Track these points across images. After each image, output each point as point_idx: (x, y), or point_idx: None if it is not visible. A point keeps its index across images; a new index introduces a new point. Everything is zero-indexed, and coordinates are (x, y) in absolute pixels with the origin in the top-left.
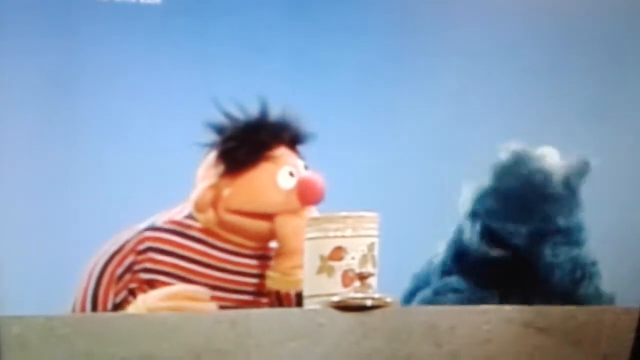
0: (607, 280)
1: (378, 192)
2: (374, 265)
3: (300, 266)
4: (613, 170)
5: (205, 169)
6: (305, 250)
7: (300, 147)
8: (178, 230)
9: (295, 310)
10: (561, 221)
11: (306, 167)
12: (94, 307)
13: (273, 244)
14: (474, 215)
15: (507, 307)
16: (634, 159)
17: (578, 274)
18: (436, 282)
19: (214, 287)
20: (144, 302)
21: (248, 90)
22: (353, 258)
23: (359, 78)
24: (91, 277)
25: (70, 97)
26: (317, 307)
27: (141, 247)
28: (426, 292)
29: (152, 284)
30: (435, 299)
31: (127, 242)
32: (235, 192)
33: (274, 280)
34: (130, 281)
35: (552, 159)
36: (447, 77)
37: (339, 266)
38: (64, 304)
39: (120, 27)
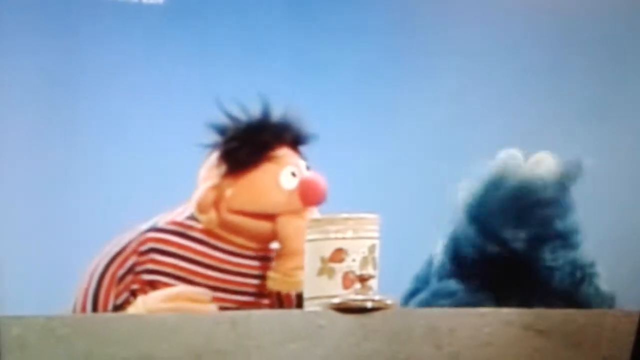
0: (607, 280)
1: (378, 193)
2: (374, 267)
3: (301, 267)
4: (613, 170)
5: (208, 170)
6: (305, 252)
7: (302, 148)
8: (180, 231)
9: (295, 311)
10: (557, 224)
11: (308, 168)
12: (95, 309)
13: (274, 245)
14: (471, 217)
15: (507, 310)
16: (633, 159)
17: (576, 276)
18: (433, 285)
19: (215, 288)
20: (145, 304)
21: (249, 90)
22: (354, 260)
23: (360, 78)
24: (92, 278)
25: (71, 97)
26: (318, 308)
27: (143, 248)
28: (423, 295)
29: (154, 285)
30: (432, 301)
31: (129, 243)
32: (238, 193)
33: (275, 281)
34: (132, 282)
35: (546, 163)
36: (447, 77)
37: (340, 268)
38: (64, 304)
39: (121, 26)
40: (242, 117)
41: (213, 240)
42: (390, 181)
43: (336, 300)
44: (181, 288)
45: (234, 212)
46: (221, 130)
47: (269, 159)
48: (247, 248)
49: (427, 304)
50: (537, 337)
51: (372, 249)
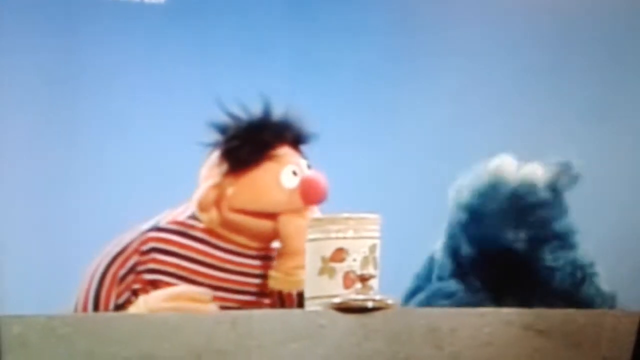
0: (608, 280)
1: (378, 192)
2: (375, 267)
3: (302, 266)
4: (613, 170)
5: (209, 169)
6: (306, 252)
7: (302, 147)
8: (181, 230)
9: (296, 311)
10: (556, 225)
11: (309, 167)
12: (96, 309)
13: (275, 244)
14: (469, 217)
15: (507, 310)
16: (634, 159)
17: (577, 276)
18: (433, 285)
19: (216, 288)
20: (146, 303)
21: (249, 89)
22: (354, 260)
23: (360, 78)
24: (93, 279)
25: (72, 96)
26: (319, 308)
27: (145, 247)
28: (423, 295)
29: (155, 285)
30: (432, 302)
31: (130, 243)
32: (239, 192)
33: (277, 280)
34: (134, 282)
35: (545, 163)
36: (448, 77)
37: (341, 268)
38: (65, 304)
39: (122, 26)
40: (243, 116)
41: (214, 240)
42: (390, 181)
43: (337, 300)
44: (182, 288)
45: (235, 211)
46: (222, 129)
47: (270, 157)
48: (249, 247)
49: (426, 304)
50: (537, 337)
51: (372, 248)
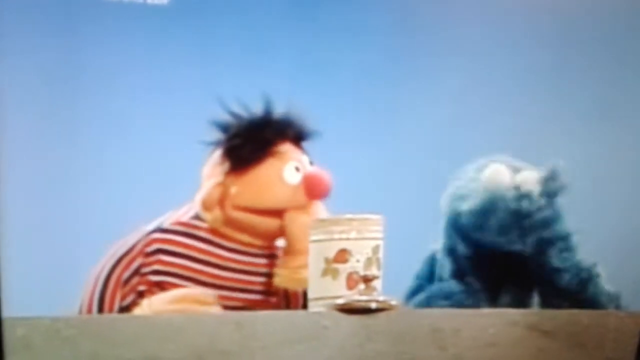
0: (611, 282)
1: (378, 192)
2: (378, 267)
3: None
4: (615, 169)
5: (211, 168)
6: (309, 253)
7: (304, 144)
8: (185, 231)
9: (300, 312)
10: (557, 226)
11: (311, 163)
12: (100, 311)
13: (280, 242)
14: (467, 217)
15: (511, 310)
16: (635, 158)
17: (580, 278)
18: (432, 286)
19: (222, 287)
20: (150, 306)
21: (251, 89)
22: (358, 261)
23: (361, 78)
24: (98, 281)
25: (74, 97)
26: (322, 309)
27: (149, 249)
28: (422, 296)
29: (161, 286)
30: (432, 303)
31: (134, 245)
32: (242, 190)
33: (282, 278)
34: (139, 284)
35: (538, 168)
36: (449, 76)
37: (344, 269)
38: (69, 306)
39: (124, 27)
40: (244, 114)
41: (219, 239)
42: (390, 181)
43: (340, 301)
44: (187, 290)
45: (239, 209)
46: (223, 128)
47: (272, 154)
48: (253, 246)
49: (426, 305)
50: (542, 337)
51: (376, 249)
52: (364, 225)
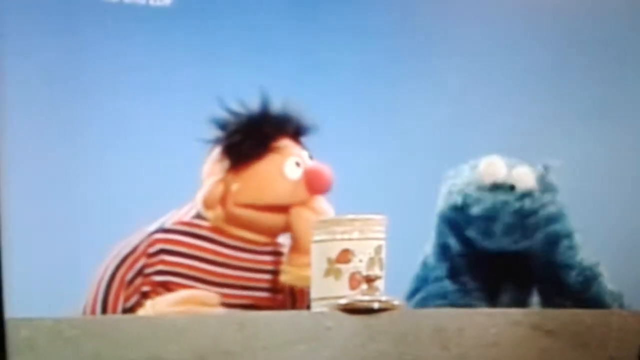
0: (613, 281)
1: (378, 192)
2: (381, 268)
3: None
4: (615, 169)
5: (211, 166)
6: (312, 253)
7: (303, 139)
8: (188, 230)
9: (302, 312)
10: (557, 225)
11: (311, 157)
12: (104, 313)
13: (283, 239)
14: (465, 217)
15: (514, 310)
16: (636, 158)
17: (582, 276)
18: (430, 286)
19: (227, 285)
20: (153, 307)
21: (251, 89)
22: (360, 261)
23: (362, 78)
24: (101, 282)
25: (76, 98)
26: (325, 309)
27: (152, 249)
28: (420, 296)
29: (165, 286)
30: (431, 302)
31: (137, 245)
32: (243, 186)
33: (289, 276)
34: (142, 284)
35: (537, 168)
36: (450, 76)
37: (346, 269)
38: (72, 307)
39: (124, 27)
40: (243, 111)
41: (222, 237)
42: (391, 181)
43: (343, 301)
44: (191, 291)
45: (241, 206)
46: (222, 126)
47: (271, 150)
48: (257, 243)
49: (425, 304)
50: (545, 337)
51: (378, 249)
52: (366, 225)
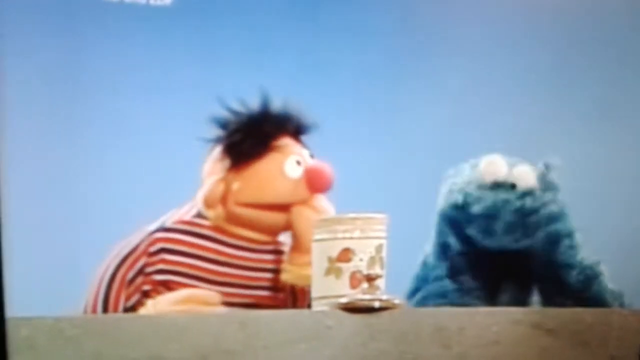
0: (613, 280)
1: (378, 192)
2: (382, 267)
3: None
4: (615, 169)
5: (212, 165)
6: (313, 252)
7: (304, 137)
8: (189, 229)
9: (303, 311)
10: (558, 225)
11: (312, 156)
12: (105, 312)
13: (284, 238)
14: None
15: (515, 309)
16: (635, 158)
17: (583, 275)
18: (429, 286)
19: (228, 284)
20: (155, 307)
21: (252, 89)
22: (361, 260)
23: (362, 78)
24: (102, 282)
25: (76, 97)
26: (325, 308)
27: (153, 248)
28: (419, 297)
29: (166, 285)
30: (427, 302)
31: (137, 244)
32: (244, 185)
33: (290, 275)
34: (143, 284)
35: (537, 168)
36: (450, 76)
37: (347, 268)
38: (72, 306)
39: (124, 27)
40: (243, 110)
41: (222, 236)
42: (391, 181)
43: (344, 300)
44: (192, 291)
45: (241, 205)
46: (223, 125)
47: (272, 149)
48: (258, 242)
49: (425, 304)
50: (545, 336)
51: (379, 248)
52: (367, 224)
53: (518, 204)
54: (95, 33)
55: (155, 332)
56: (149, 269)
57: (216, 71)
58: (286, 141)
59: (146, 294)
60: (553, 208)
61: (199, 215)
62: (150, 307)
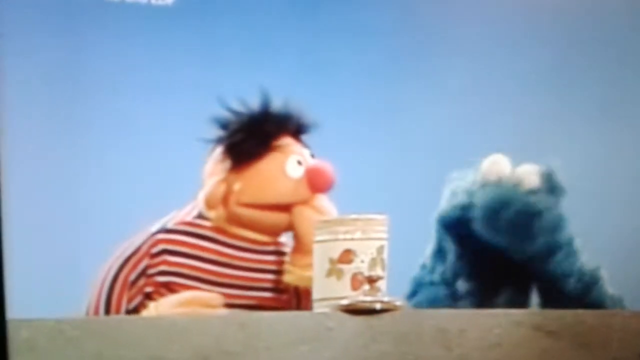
0: (614, 282)
1: (379, 192)
2: (383, 268)
3: None
4: (616, 170)
5: (213, 165)
6: (314, 253)
7: (304, 137)
8: (190, 231)
9: (304, 313)
10: (557, 231)
11: (313, 156)
12: (107, 314)
13: (286, 239)
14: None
15: (516, 311)
16: (636, 159)
17: (581, 283)
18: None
19: (230, 286)
20: (157, 309)
21: (252, 89)
22: (362, 261)
23: (363, 78)
24: (104, 283)
25: (76, 97)
26: (327, 310)
27: (154, 250)
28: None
29: (168, 287)
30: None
31: (139, 246)
32: (245, 185)
33: (293, 276)
34: (145, 285)
35: (537, 169)
36: (452, 76)
37: (348, 269)
38: (73, 307)
39: (125, 27)
40: (244, 110)
41: (224, 237)
42: (392, 182)
43: (345, 302)
44: (194, 293)
45: (243, 206)
46: (223, 125)
47: (273, 149)
48: (259, 242)
49: (423, 307)
50: (547, 337)
51: (380, 250)
52: (368, 225)
53: (521, 204)
54: (95, 33)
55: (156, 333)
56: (151, 271)
57: (217, 71)
58: (287, 141)
59: (148, 296)
60: (554, 214)
61: (200, 216)
62: (153, 309)
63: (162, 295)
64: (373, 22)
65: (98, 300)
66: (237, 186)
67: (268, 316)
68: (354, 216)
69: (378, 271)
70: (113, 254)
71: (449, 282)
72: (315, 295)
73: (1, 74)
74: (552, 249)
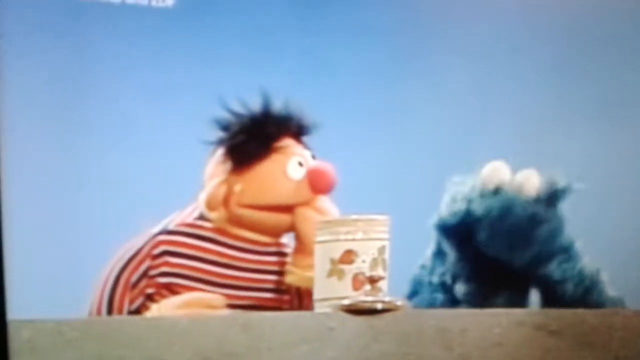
0: (614, 284)
1: (380, 193)
2: (384, 268)
3: None
4: (617, 171)
5: (214, 167)
6: (315, 254)
7: (306, 138)
8: (191, 232)
9: (306, 313)
10: (558, 235)
11: (314, 157)
12: (109, 315)
13: (287, 239)
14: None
15: (518, 310)
16: (638, 161)
17: (580, 287)
18: (425, 291)
19: (232, 287)
20: (159, 311)
21: (254, 90)
22: (363, 261)
23: (365, 78)
24: (106, 285)
25: (77, 98)
26: (328, 310)
27: (156, 251)
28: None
29: (170, 288)
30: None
31: (141, 247)
32: (247, 187)
33: (294, 277)
34: (147, 286)
35: (538, 171)
36: (455, 77)
37: (350, 269)
38: (74, 308)
39: (126, 28)
40: (244, 111)
41: (225, 239)
42: (394, 182)
43: (346, 302)
44: (196, 294)
45: (244, 207)
46: (224, 126)
47: (274, 150)
48: (261, 243)
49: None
50: (549, 337)
51: (381, 250)
52: (370, 225)
53: (521, 211)
54: (96, 34)
55: (157, 334)
56: (153, 272)
57: (217, 72)
58: (288, 142)
59: (150, 297)
60: (554, 220)
61: (202, 217)
62: (155, 311)
63: (163, 296)
64: (374, 23)
65: (100, 302)
66: (238, 187)
67: (269, 317)
68: (355, 217)
69: (379, 271)
70: (114, 255)
71: (448, 284)
72: (317, 295)
73: (1, 75)
74: (552, 254)
